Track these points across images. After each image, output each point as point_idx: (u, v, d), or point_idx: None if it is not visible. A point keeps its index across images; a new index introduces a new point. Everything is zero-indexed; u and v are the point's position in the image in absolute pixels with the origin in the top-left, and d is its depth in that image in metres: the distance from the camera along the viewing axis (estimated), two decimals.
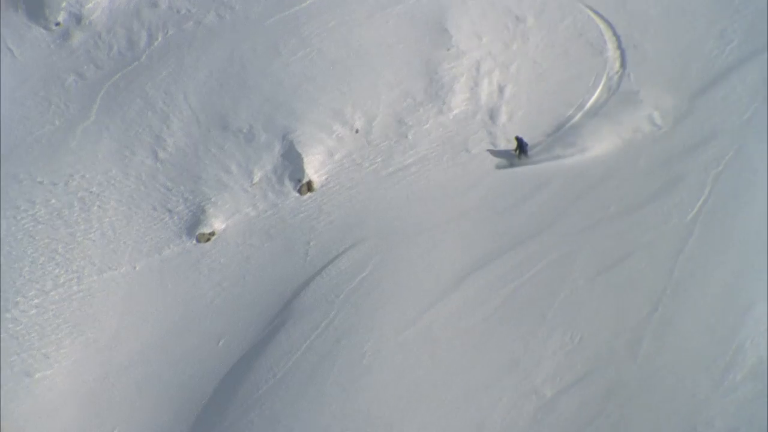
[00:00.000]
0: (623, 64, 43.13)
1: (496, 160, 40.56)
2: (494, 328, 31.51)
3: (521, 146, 39.31)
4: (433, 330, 32.22)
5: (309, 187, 43.73)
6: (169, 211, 44.81)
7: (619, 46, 43.82)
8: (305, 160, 43.97)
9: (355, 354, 32.71)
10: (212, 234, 43.54)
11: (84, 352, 40.03)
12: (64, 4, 55.21)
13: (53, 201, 45.89)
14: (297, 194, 43.77)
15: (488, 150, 41.25)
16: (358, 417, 30.49)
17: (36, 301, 41.92)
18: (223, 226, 43.46)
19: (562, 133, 38.70)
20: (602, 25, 44.02)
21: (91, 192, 46.16)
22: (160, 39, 52.71)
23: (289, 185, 44.09)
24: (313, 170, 44.02)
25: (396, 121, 44.03)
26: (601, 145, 36.30)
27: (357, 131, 44.66)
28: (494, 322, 31.69)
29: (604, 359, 28.72)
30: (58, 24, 55.17)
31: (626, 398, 27.32)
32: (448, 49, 47.11)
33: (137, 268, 42.93)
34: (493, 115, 43.67)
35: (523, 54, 46.36)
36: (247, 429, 32.43)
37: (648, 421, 26.53)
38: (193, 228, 43.72)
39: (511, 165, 39.70)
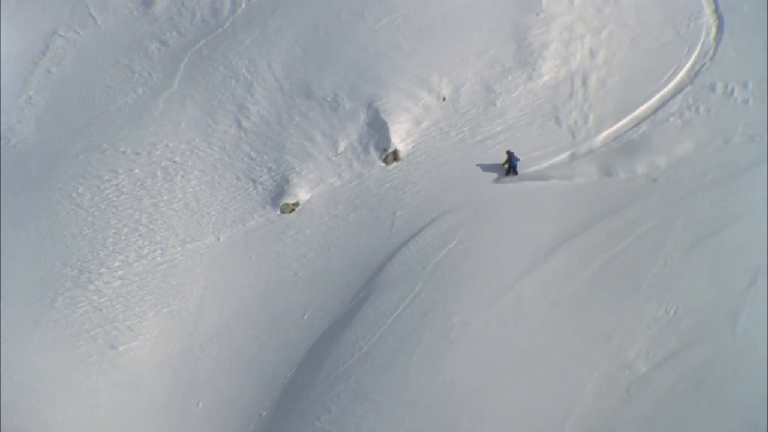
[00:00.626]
0: (720, 29, 42.21)
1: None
2: (585, 301, 31.98)
3: (511, 161, 39.04)
4: (522, 303, 33.03)
5: (395, 156, 44.43)
6: (253, 181, 45.89)
7: (716, 10, 43.32)
8: (391, 128, 44.69)
9: (443, 327, 33.71)
10: (296, 204, 44.67)
11: (168, 324, 41.72)
12: None
13: (136, 171, 47.67)
14: (383, 164, 44.51)
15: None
16: (445, 391, 31.61)
17: (120, 272, 43.79)
18: (307, 197, 44.46)
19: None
20: None
21: (174, 161, 47.63)
22: (243, 6, 53.76)
23: (374, 154, 44.87)
24: (399, 139, 44.60)
25: (484, 89, 44.64)
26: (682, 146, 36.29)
27: (444, 99, 45.23)
28: (585, 294, 32.23)
29: (700, 333, 29.16)
30: None
31: (723, 373, 27.75)
32: (538, 14, 47.21)
33: (221, 240, 44.29)
34: (584, 81, 43.53)
35: (615, 18, 46.05)
36: (333, 403, 33.79)
37: (747, 398, 26.95)
38: (277, 198, 44.96)
39: (498, 179, 39.44)
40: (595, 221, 34.82)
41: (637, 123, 40.02)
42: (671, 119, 39.18)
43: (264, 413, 36.40)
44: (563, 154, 39.69)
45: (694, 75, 41.41)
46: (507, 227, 36.69)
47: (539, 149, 39.14)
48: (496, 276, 34.40)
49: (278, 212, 44.58)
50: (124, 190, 47.17)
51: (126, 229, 45.58)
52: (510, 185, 38.62)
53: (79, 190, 47.19)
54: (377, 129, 44.21)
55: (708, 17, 44.32)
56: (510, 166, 36.94)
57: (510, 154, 37.31)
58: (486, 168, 40.39)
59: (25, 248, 45.36)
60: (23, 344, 41.29)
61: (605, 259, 32.94)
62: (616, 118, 41.32)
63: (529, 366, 31.03)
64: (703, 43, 43.27)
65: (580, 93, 42.70)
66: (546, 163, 38.52)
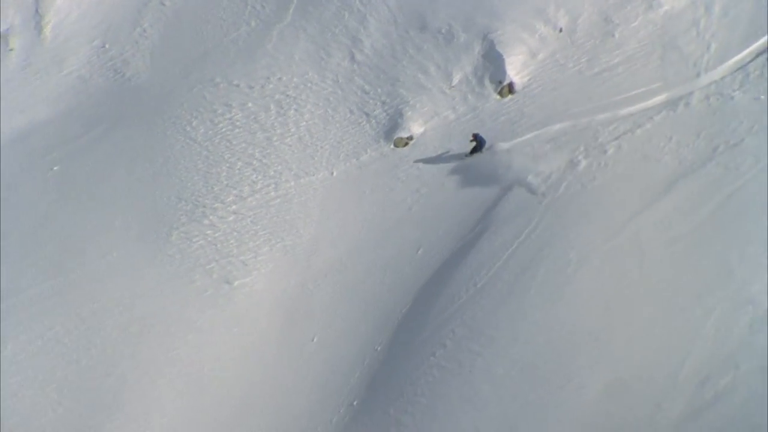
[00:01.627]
0: None
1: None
2: (706, 236, 32.55)
3: (479, 144, 39.19)
4: (641, 238, 33.79)
5: (510, 89, 45.37)
6: (366, 114, 47.44)
7: None
8: (506, 60, 45.60)
9: (559, 263, 34.86)
10: (410, 138, 46.17)
11: (282, 259, 43.83)
12: None
13: (249, 104, 49.71)
14: (497, 96, 45.37)
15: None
16: (562, 327, 32.81)
17: (234, 207, 46.03)
18: (421, 130, 45.81)
19: None
20: None
21: (288, 95, 49.40)
22: None
23: (489, 87, 45.80)
24: (515, 71, 45.38)
25: (602, 19, 45.30)
26: None
27: (560, 30, 45.85)
28: (706, 229, 32.76)
29: None
30: None
31: None
32: None
33: (334, 174, 46.16)
34: (707, 10, 43.37)
35: None
36: (448, 339, 35.34)
37: None
38: (391, 132, 46.46)
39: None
40: (717, 153, 35.36)
41: (761, 53, 38.56)
42: None
43: (379, 348, 37.91)
44: (683, 85, 38.26)
45: None
46: (626, 161, 37.36)
47: (658, 80, 38.95)
48: (614, 211, 35.07)
49: (391, 146, 45.95)
50: (238, 123, 48.96)
51: (240, 163, 47.43)
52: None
53: (193, 123, 49.02)
54: (492, 61, 45.11)
55: None
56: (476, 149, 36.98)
57: (477, 138, 37.31)
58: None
59: (140, 183, 47.67)
60: (139, 280, 43.89)
61: (727, 192, 33.20)
62: (740, 48, 40.79)
63: (646, 303, 31.74)
64: None
65: (702, 22, 42.58)
66: (665, 95, 37.76)
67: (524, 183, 39.61)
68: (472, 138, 36.57)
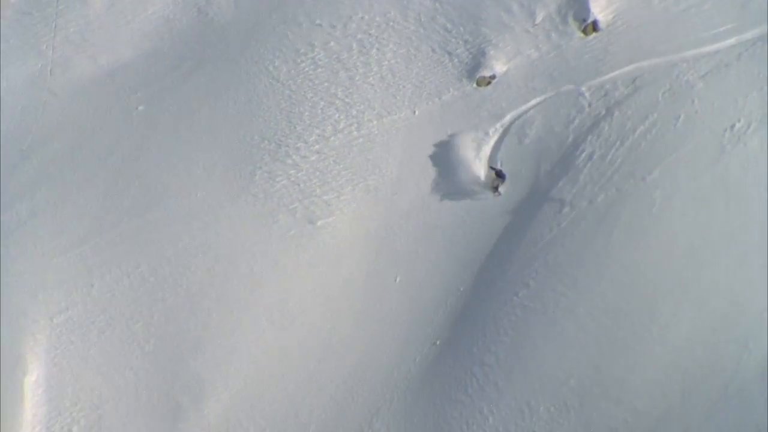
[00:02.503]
0: None
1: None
2: None
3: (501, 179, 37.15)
4: (728, 175, 34.46)
5: (594, 27, 45.16)
6: (449, 53, 47.92)
7: None
8: None
9: (644, 202, 35.77)
10: (492, 77, 46.46)
11: (365, 199, 44.96)
12: None
13: (332, 44, 50.38)
14: (581, 35, 45.39)
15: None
16: (646, 268, 33.89)
17: (316, 147, 47.22)
18: (504, 69, 46.11)
19: None
20: None
21: (370, 34, 50.02)
22: None
23: (573, 25, 45.90)
24: (599, 9, 45.37)
25: None
26: None
27: None
28: None
29: None
30: None
31: None
32: None
33: (416, 113, 46.80)
34: None
35: None
36: (531, 279, 36.80)
37: None
38: (473, 71, 46.91)
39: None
40: None
41: None
42: None
43: (462, 288, 39.29)
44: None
45: None
46: (711, 97, 37.89)
47: (746, 17, 40.16)
48: (699, 149, 35.77)
49: (474, 85, 46.25)
50: (320, 63, 49.76)
51: (322, 102, 48.25)
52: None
53: (276, 63, 50.15)
54: None
55: None
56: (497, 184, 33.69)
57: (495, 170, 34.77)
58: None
59: (223, 123, 49.16)
60: (224, 219, 45.62)
61: None
62: None
63: (732, 243, 32.59)
64: None
65: None
66: (753, 31, 37.99)
67: (601, 121, 39.42)
68: (494, 173, 36.32)
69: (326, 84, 49.32)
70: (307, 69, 50.26)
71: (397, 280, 41.67)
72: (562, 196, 38.64)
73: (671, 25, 43.02)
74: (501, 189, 30.83)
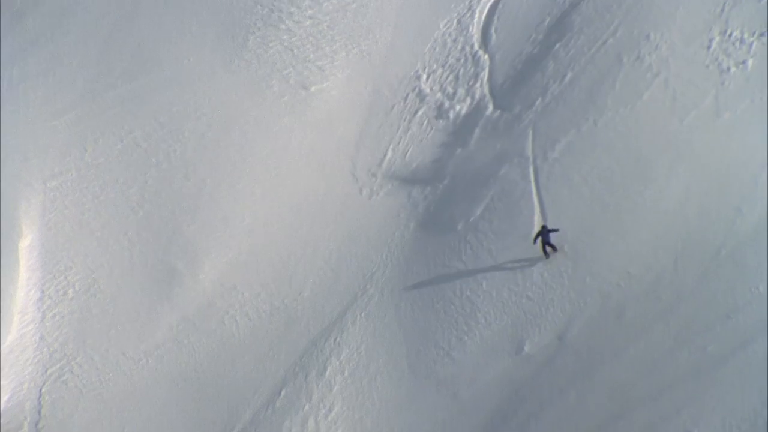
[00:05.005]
0: None
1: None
2: None
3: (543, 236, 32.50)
4: (719, 47, 33.77)
5: None
6: None
7: None
8: None
9: (638, 69, 35.42)
10: None
11: (358, 65, 44.52)
12: None
13: None
14: None
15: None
16: (641, 133, 34.28)
17: (310, 12, 46.42)
18: None
19: None
20: None
21: None
22: None
23: None
24: None
25: None
26: None
27: None
28: None
29: None
30: None
31: None
32: None
33: None
34: None
35: None
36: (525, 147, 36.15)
37: None
38: None
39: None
40: None
41: None
42: None
43: (458, 151, 40.14)
44: None
45: None
46: None
47: None
48: (694, 16, 35.50)
49: None
50: None
51: None
52: None
53: None
54: None
55: None
56: (544, 242, 31.88)
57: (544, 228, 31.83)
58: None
59: None
60: (216, 85, 45.12)
61: None
62: None
63: (725, 110, 32.85)
64: None
65: None
66: None
67: None
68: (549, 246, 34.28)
69: None
70: None
71: (390, 145, 40.86)
72: (558, 60, 38.17)
73: None
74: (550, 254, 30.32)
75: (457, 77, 41.24)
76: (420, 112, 41.53)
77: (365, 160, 41.21)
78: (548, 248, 29.80)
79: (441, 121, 40.50)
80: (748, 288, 26.31)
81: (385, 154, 41.12)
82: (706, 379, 23.96)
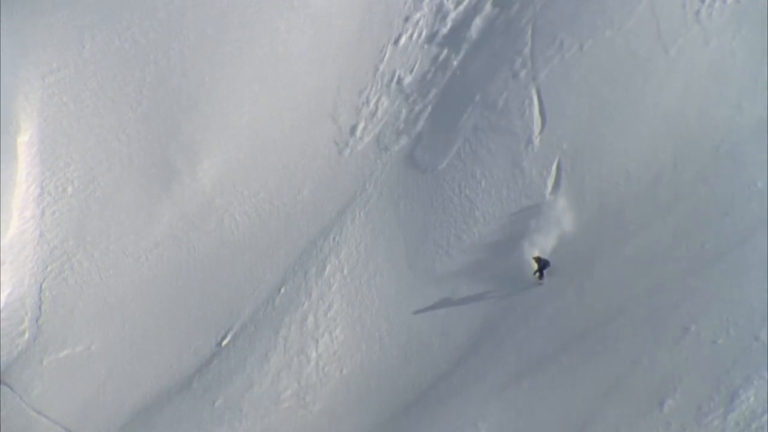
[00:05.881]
0: None
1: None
2: None
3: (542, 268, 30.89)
4: None
5: None
6: None
7: None
8: None
9: None
10: None
11: None
12: None
13: None
14: None
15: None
16: (642, 31, 33.89)
17: None
18: None
19: None
20: None
21: None
22: None
23: None
24: None
25: None
26: None
27: None
28: None
29: None
30: None
31: None
32: None
33: None
34: None
35: None
36: (525, 47, 36.58)
37: None
38: None
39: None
40: None
41: None
42: None
43: (455, 63, 39.29)
44: None
45: None
46: None
47: None
48: None
49: None
50: None
51: None
52: None
53: None
54: None
55: None
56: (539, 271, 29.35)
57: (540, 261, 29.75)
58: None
59: None
60: None
61: None
62: None
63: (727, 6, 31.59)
64: None
65: None
66: None
67: None
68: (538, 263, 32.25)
69: None
70: None
71: (389, 44, 41.33)
72: None
73: None
74: (545, 278, 29.35)
75: None
76: (419, 12, 41.20)
77: (364, 59, 40.87)
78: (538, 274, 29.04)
79: (440, 19, 40.32)
80: (746, 185, 26.33)
81: (384, 53, 40.86)
82: (704, 275, 23.73)
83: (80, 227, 39.77)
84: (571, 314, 27.43)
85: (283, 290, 34.46)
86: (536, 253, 29.90)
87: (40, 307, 36.41)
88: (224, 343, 33.46)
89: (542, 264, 29.18)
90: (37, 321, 35.53)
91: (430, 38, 40.30)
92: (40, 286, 36.69)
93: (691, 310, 23.23)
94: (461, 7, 38.89)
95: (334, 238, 34.71)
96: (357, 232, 34.19)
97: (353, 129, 39.26)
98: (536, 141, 31.24)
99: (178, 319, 34.72)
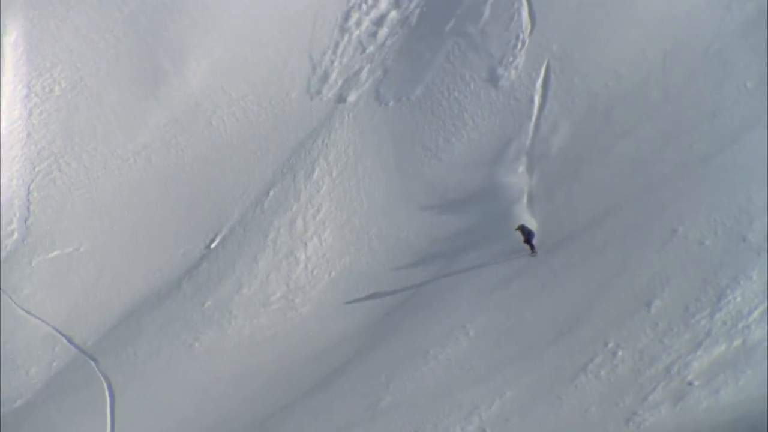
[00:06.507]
0: None
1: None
2: None
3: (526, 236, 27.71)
4: None
5: None
6: None
7: None
8: None
9: None
10: None
11: None
12: None
13: None
14: None
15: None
16: None
17: None
18: None
19: None
20: None
21: None
22: None
23: None
24: None
25: None
26: None
27: None
28: None
29: None
30: None
31: None
32: None
33: None
34: None
35: None
36: None
37: None
38: None
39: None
40: None
41: None
42: None
43: None
44: None
45: None
46: None
47: None
48: None
49: None
50: None
51: None
52: None
53: None
54: None
55: None
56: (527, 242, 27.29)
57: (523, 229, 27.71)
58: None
59: None
60: None
61: None
62: None
63: None
64: None
65: None
66: None
67: None
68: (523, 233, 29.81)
69: None
70: None
71: None
72: None
73: None
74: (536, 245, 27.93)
75: None
76: None
77: None
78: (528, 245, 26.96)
79: None
80: (735, 85, 26.15)
81: None
82: (693, 176, 23.44)
83: (68, 128, 39.32)
84: (559, 217, 27.42)
85: (271, 193, 33.81)
86: (518, 224, 27.63)
87: (28, 208, 36.03)
88: (213, 245, 33.05)
89: (527, 234, 27.60)
90: (25, 222, 35.34)
91: None
92: (28, 187, 36.35)
93: (678, 212, 22.96)
94: None
95: (322, 141, 34.36)
96: (346, 134, 33.68)
97: (343, 28, 39.19)
98: (526, 43, 29.62)
99: (167, 222, 34.49)
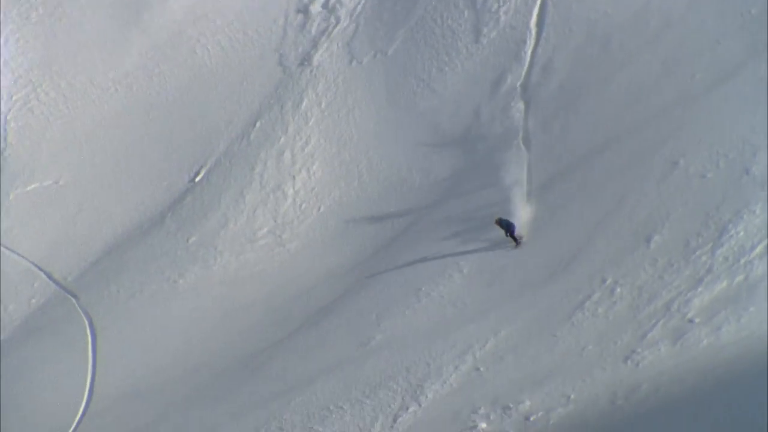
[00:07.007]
0: None
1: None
2: None
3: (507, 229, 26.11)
4: None
5: None
6: None
7: None
8: None
9: None
10: None
11: None
12: None
13: None
14: None
15: None
16: None
17: None
18: None
19: None
20: None
21: None
22: None
23: None
24: None
25: None
26: None
27: None
28: None
29: None
30: None
31: None
32: None
33: None
34: None
35: None
36: None
37: None
38: None
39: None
40: None
41: None
42: None
43: None
44: None
45: None
46: None
47: None
48: None
49: None
50: None
51: None
52: None
53: None
54: None
55: None
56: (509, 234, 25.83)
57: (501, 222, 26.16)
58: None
59: None
60: None
61: None
62: None
63: None
64: None
65: None
66: None
67: None
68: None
69: None
70: None
71: None
72: None
73: None
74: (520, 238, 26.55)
75: None
76: None
77: None
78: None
79: None
80: (739, 12, 25.60)
81: None
82: (694, 107, 23.02)
83: (46, 56, 38.98)
84: (556, 151, 27.11)
85: (258, 124, 33.22)
86: (497, 217, 25.73)
87: (5, 139, 35.43)
88: (198, 178, 32.40)
89: (507, 227, 25.65)
90: (2, 153, 34.44)
91: None
92: (5, 117, 35.36)
93: (679, 144, 22.69)
94: None
95: (310, 71, 33.16)
96: (335, 64, 32.53)
97: None
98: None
99: (150, 153, 33.82)
